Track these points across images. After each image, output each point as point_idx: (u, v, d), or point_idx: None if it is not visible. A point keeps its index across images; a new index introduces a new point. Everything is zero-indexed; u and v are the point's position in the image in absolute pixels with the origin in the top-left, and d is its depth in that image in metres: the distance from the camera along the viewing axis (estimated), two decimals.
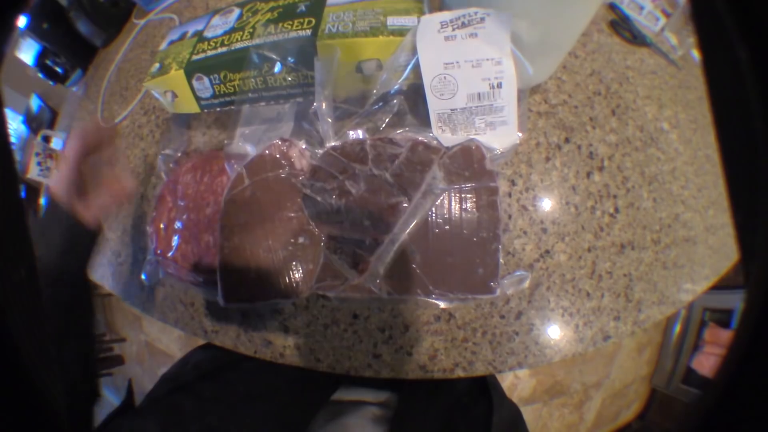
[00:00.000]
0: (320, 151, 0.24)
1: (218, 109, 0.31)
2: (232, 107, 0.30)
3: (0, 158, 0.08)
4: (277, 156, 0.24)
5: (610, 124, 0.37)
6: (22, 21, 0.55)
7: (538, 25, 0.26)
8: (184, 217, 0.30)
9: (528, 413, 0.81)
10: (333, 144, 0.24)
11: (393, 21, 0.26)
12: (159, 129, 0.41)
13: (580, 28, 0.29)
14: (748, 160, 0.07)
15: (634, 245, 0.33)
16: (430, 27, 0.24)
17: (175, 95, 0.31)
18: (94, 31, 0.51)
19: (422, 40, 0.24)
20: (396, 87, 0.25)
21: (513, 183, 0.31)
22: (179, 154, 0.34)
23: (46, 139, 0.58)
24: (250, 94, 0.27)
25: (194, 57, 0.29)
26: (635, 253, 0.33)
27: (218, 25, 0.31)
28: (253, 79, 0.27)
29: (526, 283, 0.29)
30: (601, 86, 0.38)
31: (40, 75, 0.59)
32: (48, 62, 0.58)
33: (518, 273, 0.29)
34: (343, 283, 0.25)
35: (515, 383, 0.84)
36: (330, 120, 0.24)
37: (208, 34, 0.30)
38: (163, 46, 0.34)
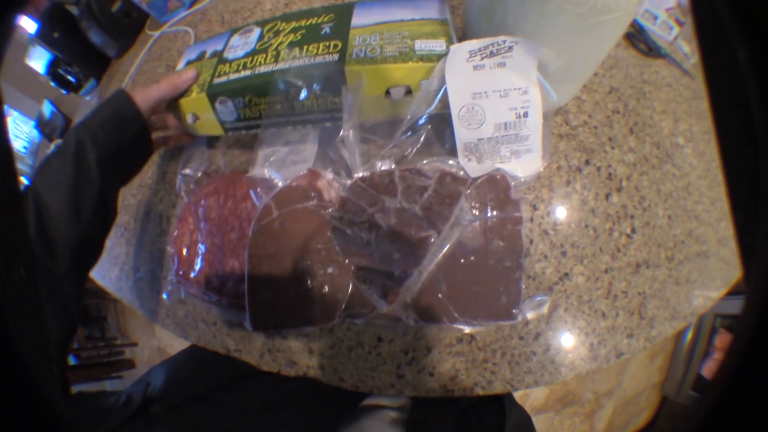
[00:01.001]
0: (348, 182, 0.24)
1: (244, 132, 0.30)
2: (258, 131, 0.29)
3: (0, 158, 0.08)
4: (306, 187, 0.24)
5: (628, 143, 0.36)
6: (32, 27, 0.54)
7: (564, 53, 0.25)
8: (208, 240, 0.30)
9: (540, 422, 0.82)
10: (361, 174, 0.24)
11: (421, 45, 0.25)
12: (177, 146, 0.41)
13: (605, 53, 0.28)
14: (748, 160, 0.07)
15: (648, 264, 0.33)
16: (459, 56, 0.23)
17: (197, 117, 0.30)
18: (107, 42, 0.50)
19: (451, 70, 0.23)
20: (423, 116, 0.25)
21: (535, 208, 0.31)
22: (200, 174, 0.34)
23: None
24: (276, 119, 0.26)
25: (216, 80, 0.28)
26: (650, 272, 0.33)
27: (238, 46, 0.30)
28: (279, 105, 0.26)
29: (545, 308, 0.29)
30: (620, 104, 0.37)
31: (52, 84, 0.58)
32: (60, 71, 0.57)
33: (538, 298, 0.29)
34: (371, 311, 0.25)
35: (528, 393, 0.85)
36: (357, 149, 0.24)
37: (228, 55, 0.30)
38: (180, 65, 0.33)
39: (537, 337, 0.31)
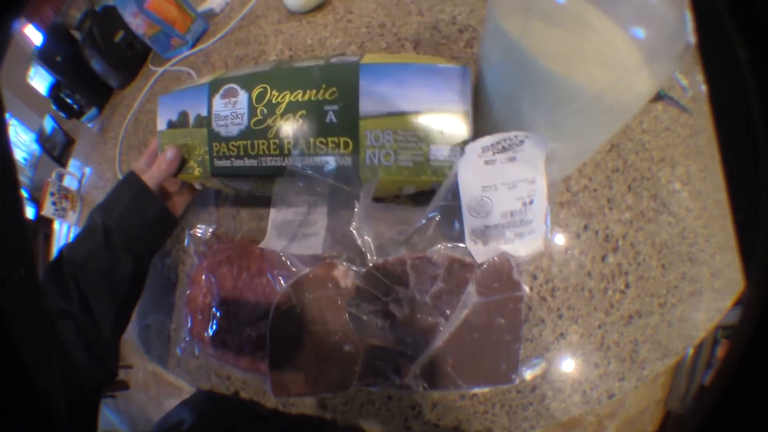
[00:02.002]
0: (363, 270, 0.25)
1: (257, 194, 0.30)
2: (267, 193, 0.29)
3: (0, 159, 0.08)
4: (323, 277, 0.25)
5: (626, 201, 0.37)
6: (37, 39, 0.52)
7: (573, 142, 0.26)
8: (223, 307, 0.30)
9: None
10: (374, 263, 0.25)
11: (435, 153, 0.24)
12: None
13: (613, 133, 0.29)
14: (748, 160, 0.07)
15: (641, 314, 0.35)
16: (472, 153, 0.24)
17: (203, 185, 0.30)
18: (109, 71, 0.49)
19: (464, 167, 0.24)
20: (437, 210, 0.26)
21: (534, 277, 0.33)
22: (209, 235, 0.34)
23: (60, 178, 0.56)
24: (286, 195, 0.27)
25: (217, 162, 0.27)
26: (642, 320, 0.34)
27: (227, 117, 0.27)
28: (293, 189, 0.26)
29: (539, 369, 0.31)
30: (620, 161, 0.38)
31: (53, 107, 0.56)
32: (62, 95, 0.55)
33: (535, 360, 0.31)
34: (384, 381, 0.27)
35: None
36: (370, 239, 0.25)
37: (219, 128, 0.27)
38: (160, 124, 0.30)
39: (533, 390, 0.34)
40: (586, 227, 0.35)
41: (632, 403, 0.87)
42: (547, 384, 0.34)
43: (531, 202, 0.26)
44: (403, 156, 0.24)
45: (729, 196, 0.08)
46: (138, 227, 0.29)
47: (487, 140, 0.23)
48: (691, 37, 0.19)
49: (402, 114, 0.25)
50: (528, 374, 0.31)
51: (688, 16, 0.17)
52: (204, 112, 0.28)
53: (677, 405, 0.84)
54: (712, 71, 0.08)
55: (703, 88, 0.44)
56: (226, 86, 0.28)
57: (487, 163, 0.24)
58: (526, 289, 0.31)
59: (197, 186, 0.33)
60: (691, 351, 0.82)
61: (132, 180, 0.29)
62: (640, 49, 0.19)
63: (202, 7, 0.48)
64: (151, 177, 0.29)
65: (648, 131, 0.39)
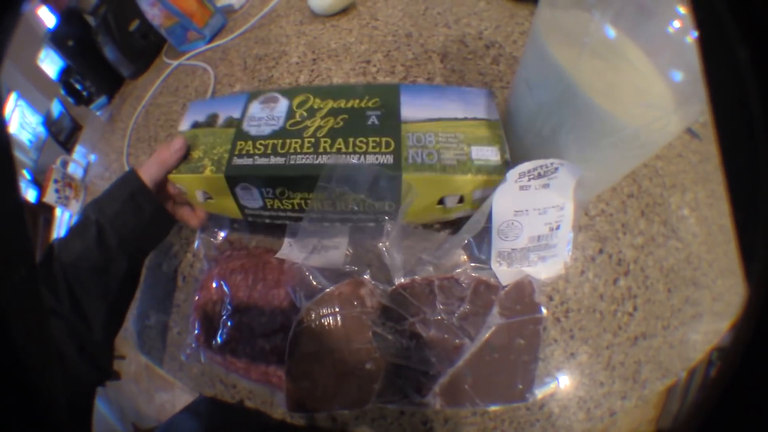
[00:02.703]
0: (389, 288, 0.25)
1: (267, 221, 0.27)
2: (287, 222, 0.27)
3: (0, 158, 0.08)
4: (349, 295, 0.24)
5: (639, 226, 0.38)
6: (50, 21, 0.49)
7: (602, 172, 0.27)
8: (236, 317, 0.29)
9: None
10: (401, 281, 0.25)
11: (477, 153, 0.24)
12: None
13: (636, 167, 0.30)
14: (748, 160, 0.07)
15: (646, 336, 0.36)
16: (511, 178, 0.23)
17: (208, 196, 0.27)
18: (122, 60, 0.46)
19: (499, 191, 0.24)
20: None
21: (551, 298, 0.33)
22: (221, 239, 0.33)
23: (65, 164, 0.54)
24: (312, 215, 0.25)
25: (237, 160, 0.24)
26: (647, 342, 0.35)
27: (262, 119, 0.26)
28: (319, 202, 0.25)
29: (552, 387, 0.32)
30: (635, 186, 0.39)
31: (62, 91, 0.54)
32: (72, 80, 0.52)
33: (547, 379, 0.31)
34: (403, 399, 0.26)
35: None
36: (399, 257, 0.25)
37: (250, 129, 0.26)
38: (183, 125, 0.28)
39: (542, 408, 0.34)
40: (601, 251, 0.35)
41: (624, 422, 0.84)
42: (555, 402, 0.34)
43: (558, 227, 0.26)
44: (447, 155, 0.24)
45: (729, 196, 0.08)
46: (132, 226, 0.27)
47: (525, 166, 0.23)
48: None
49: (441, 120, 0.26)
50: (540, 393, 0.32)
51: None
52: (237, 115, 0.27)
53: (668, 425, 0.89)
54: (712, 71, 0.08)
55: None
56: (268, 94, 0.28)
57: (522, 188, 0.24)
58: (544, 310, 0.31)
59: (199, 207, 0.31)
60: (684, 373, 0.85)
61: (130, 177, 0.28)
62: (676, 92, 0.19)
63: (221, 2, 0.46)
64: (148, 172, 0.27)
65: (662, 157, 0.40)
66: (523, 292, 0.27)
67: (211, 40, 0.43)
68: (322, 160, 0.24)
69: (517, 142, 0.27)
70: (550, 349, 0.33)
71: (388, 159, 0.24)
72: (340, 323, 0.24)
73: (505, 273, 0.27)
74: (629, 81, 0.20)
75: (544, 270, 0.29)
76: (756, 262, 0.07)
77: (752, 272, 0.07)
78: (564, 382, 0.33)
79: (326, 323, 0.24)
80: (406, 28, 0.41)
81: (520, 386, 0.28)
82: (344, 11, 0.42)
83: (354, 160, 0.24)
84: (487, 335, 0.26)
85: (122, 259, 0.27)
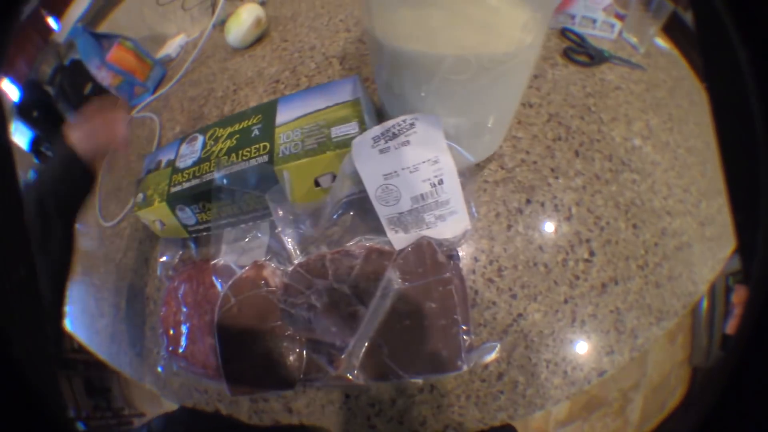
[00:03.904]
0: (290, 268, 0.32)
1: (204, 233, 0.39)
2: (218, 231, 0.37)
3: (1, 157, 0.09)
4: (254, 277, 0.32)
5: (574, 167, 0.40)
6: (15, 94, 0.66)
7: (470, 115, 0.31)
8: (188, 321, 0.39)
9: None
10: (299, 261, 0.32)
11: (336, 132, 0.32)
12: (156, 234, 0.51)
13: (516, 98, 0.33)
14: (748, 160, 0.08)
15: (617, 280, 0.37)
16: (364, 145, 0.30)
17: (163, 223, 0.39)
18: None
19: (359, 159, 0.30)
20: (346, 199, 0.32)
21: (476, 260, 0.37)
22: (176, 261, 0.43)
23: None
24: (228, 219, 0.35)
25: (172, 189, 0.36)
26: (619, 287, 0.36)
27: (187, 155, 0.38)
28: (228, 207, 0.35)
29: (495, 353, 0.35)
30: (561, 129, 0.42)
31: (35, 160, 0.70)
32: (42, 149, 0.68)
33: (486, 344, 0.35)
34: (325, 375, 0.32)
35: (548, 410, 0.90)
36: (292, 240, 0.32)
37: (180, 164, 0.38)
38: (142, 175, 0.42)
39: (501, 377, 0.37)
40: (528, 201, 0.38)
41: (655, 370, 0.91)
42: (515, 370, 0.36)
43: (440, 182, 0.31)
44: (308, 142, 0.32)
45: (729, 196, 0.09)
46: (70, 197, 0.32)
47: (375, 130, 0.29)
48: None
49: (307, 115, 0.35)
50: (483, 359, 0.35)
51: None
52: (173, 156, 0.40)
53: (703, 360, 0.88)
54: (712, 71, 0.09)
55: (657, 41, 0.46)
56: (191, 135, 0.40)
57: (382, 151, 0.29)
58: (468, 269, 0.35)
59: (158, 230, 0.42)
60: (705, 304, 0.86)
61: (68, 155, 0.33)
62: (483, 18, 0.23)
63: (159, 54, 0.60)
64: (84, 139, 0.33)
65: (593, 94, 0.43)
66: (423, 255, 0.32)
67: (155, 91, 0.57)
68: (223, 172, 0.35)
69: (400, 109, 0.33)
70: (489, 313, 0.37)
71: (265, 158, 0.33)
72: (252, 304, 0.32)
73: (403, 239, 0.33)
74: (431, 18, 0.23)
75: (447, 229, 0.33)
76: (756, 262, 0.08)
77: (752, 272, 0.08)
78: (519, 347, 0.36)
79: (241, 306, 0.32)
80: (311, 41, 0.51)
81: (446, 353, 0.32)
82: (259, 40, 0.54)
83: (242, 167, 0.33)
84: (390, 302, 0.31)
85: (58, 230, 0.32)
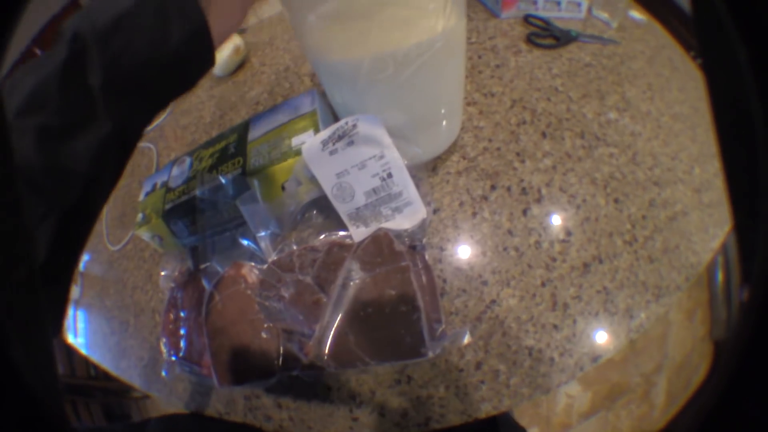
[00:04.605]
0: (264, 266, 0.39)
1: (197, 244, 0.47)
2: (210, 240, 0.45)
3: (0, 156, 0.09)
4: (235, 276, 0.39)
5: (542, 148, 0.43)
6: None
7: (409, 110, 0.36)
8: (185, 324, 0.46)
9: (593, 425, 0.90)
10: (272, 259, 0.38)
11: (296, 141, 0.39)
12: (158, 252, 0.60)
13: (457, 84, 0.38)
14: (748, 160, 0.08)
15: (601, 258, 0.37)
16: (315, 149, 0.35)
17: (161, 239, 0.47)
18: None
19: (312, 161, 0.35)
20: (308, 200, 0.39)
21: (442, 249, 0.41)
22: (176, 273, 0.52)
23: None
24: (215, 229, 0.43)
25: (166, 206, 0.44)
26: (605, 266, 0.36)
27: (178, 175, 0.46)
28: (211, 218, 0.43)
29: (466, 339, 0.38)
30: (526, 113, 0.45)
31: None
32: None
33: (455, 331, 0.39)
34: (299, 364, 0.38)
35: (570, 403, 0.92)
36: (265, 242, 0.39)
37: (171, 184, 0.46)
38: (141, 197, 0.51)
39: (479, 366, 0.40)
40: (493, 187, 0.42)
41: (675, 350, 0.94)
42: (494, 358, 0.39)
43: (389, 175, 0.37)
44: (274, 153, 0.40)
45: (729, 196, 0.10)
46: (144, 54, 0.20)
47: (322, 134, 0.35)
48: None
49: (272, 129, 0.42)
50: (455, 345, 0.39)
51: None
52: (166, 178, 0.49)
53: (723, 332, 0.90)
54: (712, 71, 0.10)
55: (631, 13, 0.48)
56: (181, 158, 0.49)
57: (331, 153, 0.35)
58: (435, 258, 0.39)
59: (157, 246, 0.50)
60: (720, 276, 0.87)
61: None
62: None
63: None
64: None
65: (560, 75, 0.46)
66: (380, 244, 0.37)
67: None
68: (205, 188, 0.43)
69: (346, 114, 0.39)
70: (460, 301, 0.40)
71: (239, 171, 0.41)
72: (233, 300, 0.39)
73: (363, 233, 0.38)
74: (341, 30, 0.28)
75: (405, 220, 0.38)
76: (756, 262, 0.08)
77: (752, 272, 0.08)
78: (495, 334, 0.39)
79: (224, 301, 0.39)
80: (285, 62, 0.60)
81: (409, 339, 0.36)
82: (241, 67, 0.64)
83: (221, 180, 0.41)
84: (352, 292, 0.36)
85: (107, 115, 0.20)
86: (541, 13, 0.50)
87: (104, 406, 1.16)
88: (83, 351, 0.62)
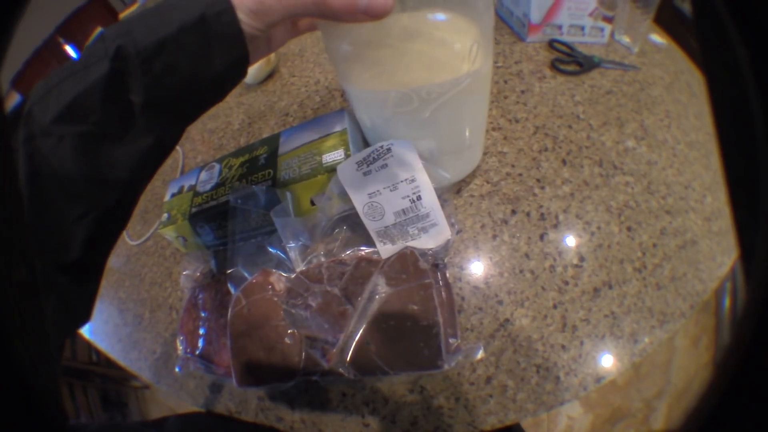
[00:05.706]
0: (293, 275, 0.43)
1: (221, 248, 0.51)
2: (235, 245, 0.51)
3: (0, 156, 0.10)
4: (262, 282, 0.44)
5: (561, 176, 0.48)
6: None
7: (438, 137, 0.41)
8: (206, 324, 0.51)
9: None
10: (301, 269, 0.43)
11: (327, 158, 0.44)
12: (179, 252, 0.65)
13: (481, 115, 0.43)
14: (749, 159, 0.09)
15: (611, 284, 0.41)
16: (349, 169, 0.40)
17: (185, 239, 0.52)
18: None
19: (346, 181, 0.40)
20: (339, 215, 0.43)
21: (462, 268, 0.46)
22: (198, 274, 0.56)
23: None
24: (242, 235, 0.48)
25: (193, 209, 0.49)
26: (614, 291, 0.40)
27: (206, 180, 0.51)
28: (240, 224, 0.48)
29: (479, 354, 0.43)
30: (548, 140, 0.49)
31: None
32: None
33: (470, 346, 0.44)
34: (320, 368, 0.43)
35: (570, 425, 0.98)
36: (294, 253, 0.43)
37: (200, 188, 0.51)
38: (167, 197, 0.55)
39: (489, 381, 0.45)
40: (513, 212, 0.47)
41: (679, 375, 0.99)
42: (504, 374, 0.44)
43: (419, 198, 0.41)
44: (304, 168, 0.44)
45: (729, 196, 0.10)
46: (186, 73, 0.21)
47: (357, 156, 0.40)
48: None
49: (303, 145, 0.47)
50: (468, 359, 0.44)
51: None
52: (193, 182, 0.54)
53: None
54: (712, 71, 0.10)
55: (652, 37, 0.53)
56: (210, 164, 0.54)
57: (365, 174, 0.40)
58: (455, 277, 0.44)
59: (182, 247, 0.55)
60: (727, 302, 0.92)
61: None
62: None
63: None
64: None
65: (582, 102, 0.51)
66: (406, 261, 0.42)
67: None
68: (235, 195, 0.47)
69: (376, 137, 0.44)
70: (476, 318, 0.45)
71: (269, 183, 0.45)
72: (259, 305, 0.43)
73: (389, 251, 0.43)
74: (387, 60, 0.31)
75: (429, 240, 0.43)
76: (756, 262, 0.09)
77: (752, 272, 0.09)
78: (507, 351, 0.44)
79: (250, 306, 0.44)
80: (316, 76, 0.64)
81: (427, 352, 0.41)
82: (270, 76, 0.68)
83: (249, 191, 0.46)
84: (377, 305, 0.41)
85: (147, 130, 0.22)
86: (566, 38, 0.54)
87: (102, 392, 1.19)
88: (87, 335, 0.66)
